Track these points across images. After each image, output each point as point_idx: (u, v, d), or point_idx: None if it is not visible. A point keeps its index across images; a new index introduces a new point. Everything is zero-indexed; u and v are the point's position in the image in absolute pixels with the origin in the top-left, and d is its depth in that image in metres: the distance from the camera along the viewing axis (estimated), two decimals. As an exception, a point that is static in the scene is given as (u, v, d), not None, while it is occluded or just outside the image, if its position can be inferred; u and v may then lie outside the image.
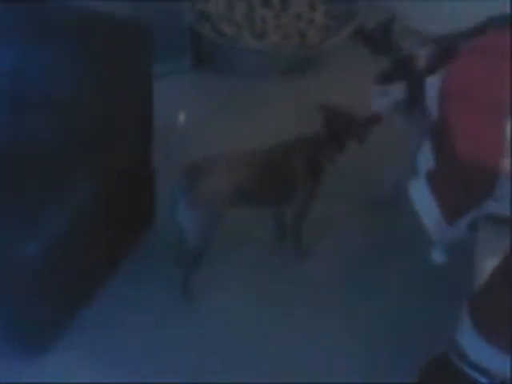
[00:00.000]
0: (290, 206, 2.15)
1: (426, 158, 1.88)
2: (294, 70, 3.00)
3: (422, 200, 1.82)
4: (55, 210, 1.75)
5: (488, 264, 1.61)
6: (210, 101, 2.89)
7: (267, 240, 2.29)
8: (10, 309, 1.85)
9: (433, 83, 1.98)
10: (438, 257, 1.93)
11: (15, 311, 1.85)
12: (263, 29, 3.17)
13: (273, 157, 2.03)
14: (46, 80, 2.02)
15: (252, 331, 2.02)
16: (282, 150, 2.05)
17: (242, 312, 2.06)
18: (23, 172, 1.81)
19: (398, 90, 2.06)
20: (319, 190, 2.11)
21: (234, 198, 1.92)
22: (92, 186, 1.86)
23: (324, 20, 3.27)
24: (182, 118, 1.80)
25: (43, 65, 2.03)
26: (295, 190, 2.07)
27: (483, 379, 1.54)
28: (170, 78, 2.82)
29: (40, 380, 1.84)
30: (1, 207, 1.72)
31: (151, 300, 2.07)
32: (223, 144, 2.29)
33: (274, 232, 2.28)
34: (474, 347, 1.49)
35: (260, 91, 2.94)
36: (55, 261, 1.78)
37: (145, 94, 2.12)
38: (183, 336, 2.00)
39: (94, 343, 1.96)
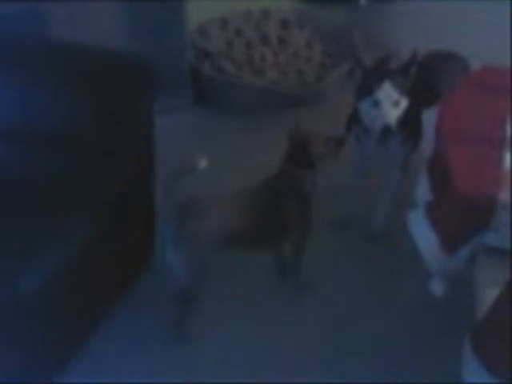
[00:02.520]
0: (286, 242, 2.12)
1: (424, 190, 1.90)
2: (293, 106, 3.05)
3: (421, 231, 1.83)
4: (51, 247, 1.72)
5: (488, 296, 1.61)
6: (209, 138, 2.92)
7: (266, 277, 2.26)
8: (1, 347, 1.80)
9: (429, 117, 2.02)
10: (436, 289, 1.93)
11: (7, 349, 1.79)
12: (262, 66, 3.24)
13: (262, 197, 1.97)
14: (47, 118, 2.04)
15: (250, 371, 1.98)
16: (269, 189, 1.99)
17: (240, 352, 2.03)
18: (21, 207, 1.81)
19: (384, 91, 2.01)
20: (311, 222, 2.06)
21: (224, 242, 1.88)
22: (89, 223, 1.83)
23: (321, 58, 3.34)
24: (203, 163, 1.79)
25: (45, 103, 2.05)
26: (288, 227, 2.03)
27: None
28: (170, 114, 2.86)
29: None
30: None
31: (148, 338, 2.05)
32: (223, 182, 2.30)
33: (274, 269, 2.26)
34: (479, 380, 1.47)
35: (259, 127, 2.97)
36: (50, 299, 1.74)
37: (146, 131, 2.14)
38: (179, 376, 1.95)
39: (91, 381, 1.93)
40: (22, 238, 1.71)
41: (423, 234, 1.81)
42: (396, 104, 2.01)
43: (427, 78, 2.28)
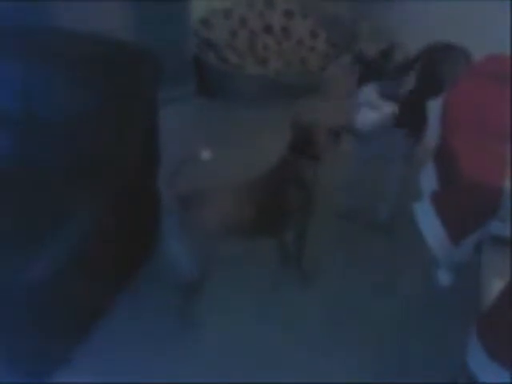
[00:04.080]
0: (289, 232, 2.13)
1: (429, 180, 1.90)
2: (296, 96, 3.04)
3: (427, 221, 1.83)
4: (55, 235, 1.72)
5: (494, 285, 1.62)
6: (212, 127, 2.93)
7: (268, 267, 2.27)
8: (9, 335, 1.81)
9: (434, 107, 2.02)
10: (443, 278, 1.94)
11: (15, 337, 1.81)
12: (265, 56, 3.23)
13: (264, 187, 1.98)
14: (52, 105, 2.05)
15: (253, 357, 1.99)
16: (271, 179, 1.99)
17: (240, 341, 2.04)
18: (24, 195, 1.82)
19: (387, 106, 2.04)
20: (313, 212, 2.06)
21: (226, 231, 1.89)
22: (92, 211, 1.84)
23: (325, 47, 3.34)
24: (206, 153, 1.80)
25: (50, 90, 2.06)
26: (290, 217, 2.03)
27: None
28: (173, 104, 2.85)
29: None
30: (1, 231, 1.71)
31: (153, 327, 2.06)
32: (226, 172, 2.29)
33: (276, 258, 2.27)
34: (484, 368, 1.48)
35: (262, 117, 2.98)
36: (55, 287, 1.75)
37: (150, 120, 2.14)
38: (184, 363, 1.97)
39: (96, 370, 1.93)
40: (24, 226, 1.71)
41: (429, 224, 1.81)
42: (375, 108, 2.01)
43: (430, 70, 2.28)
